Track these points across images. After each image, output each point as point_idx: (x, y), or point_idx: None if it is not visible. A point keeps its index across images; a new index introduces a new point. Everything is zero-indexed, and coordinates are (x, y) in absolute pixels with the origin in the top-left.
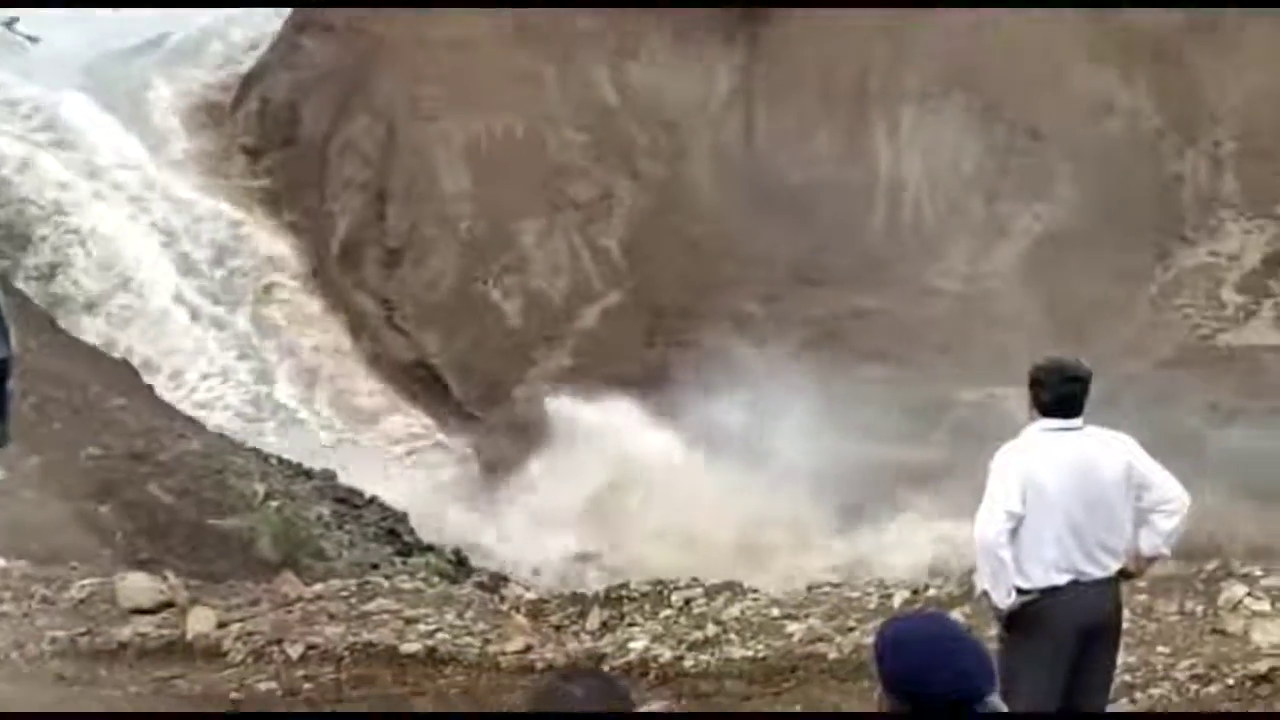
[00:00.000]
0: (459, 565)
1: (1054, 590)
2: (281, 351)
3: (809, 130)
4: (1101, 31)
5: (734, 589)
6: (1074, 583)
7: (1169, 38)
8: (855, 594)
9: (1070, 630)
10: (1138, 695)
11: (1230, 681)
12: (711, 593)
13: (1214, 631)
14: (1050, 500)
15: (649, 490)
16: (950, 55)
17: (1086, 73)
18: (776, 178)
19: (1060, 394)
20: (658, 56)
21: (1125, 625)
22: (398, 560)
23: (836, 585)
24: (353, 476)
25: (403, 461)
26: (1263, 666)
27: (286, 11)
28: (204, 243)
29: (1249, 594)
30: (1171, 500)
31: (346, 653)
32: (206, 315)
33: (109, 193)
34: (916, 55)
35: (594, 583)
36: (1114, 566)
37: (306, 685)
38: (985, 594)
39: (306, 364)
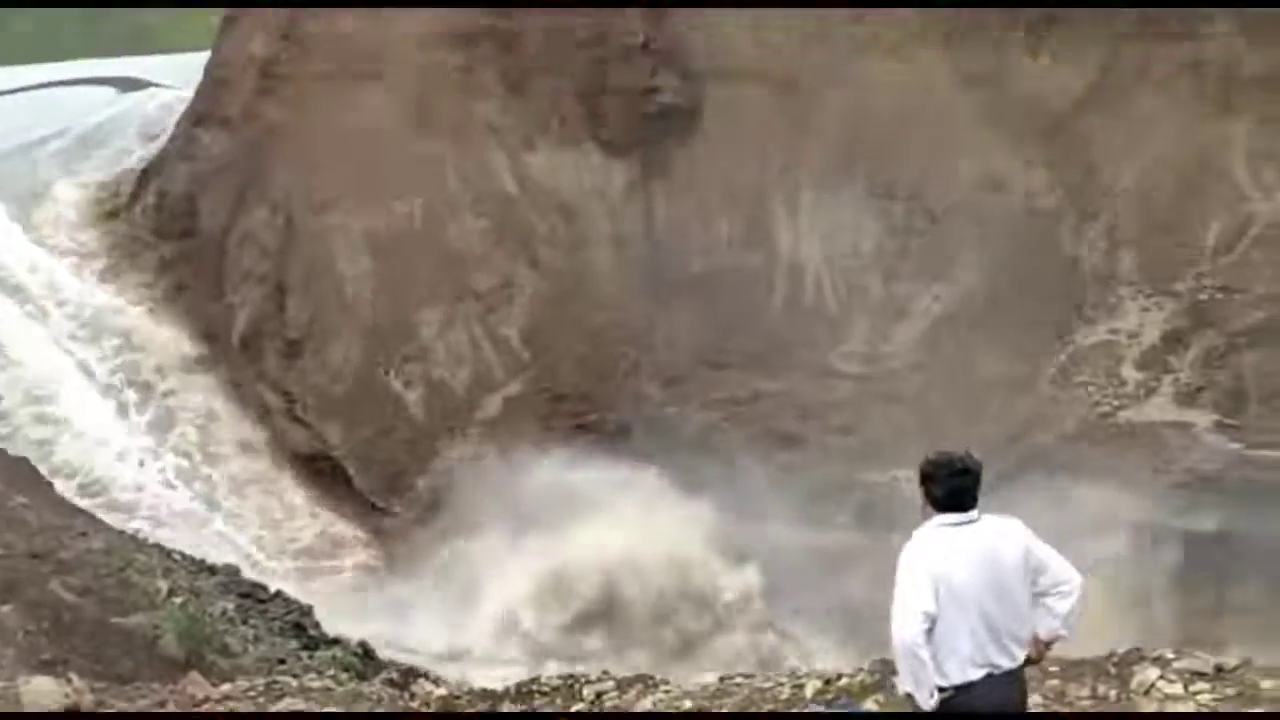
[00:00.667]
0: (366, 658)
1: (969, 685)
2: (183, 447)
3: (709, 216)
4: (996, 105)
5: (645, 682)
6: (988, 676)
7: (1064, 111)
8: (768, 684)
9: None
10: None
11: None
12: (623, 686)
13: (1127, 716)
14: (961, 597)
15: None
16: (847, 136)
17: (982, 150)
18: (678, 264)
19: (952, 488)
20: (557, 145)
21: (1039, 710)
22: (304, 654)
23: (748, 676)
24: (258, 572)
25: (309, 554)
26: None
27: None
28: (104, 339)
29: (1161, 677)
30: (1066, 582)
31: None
32: (109, 409)
33: (6, 292)
34: (814, 137)
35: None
36: (1021, 655)
37: None
38: (909, 696)
39: (209, 458)
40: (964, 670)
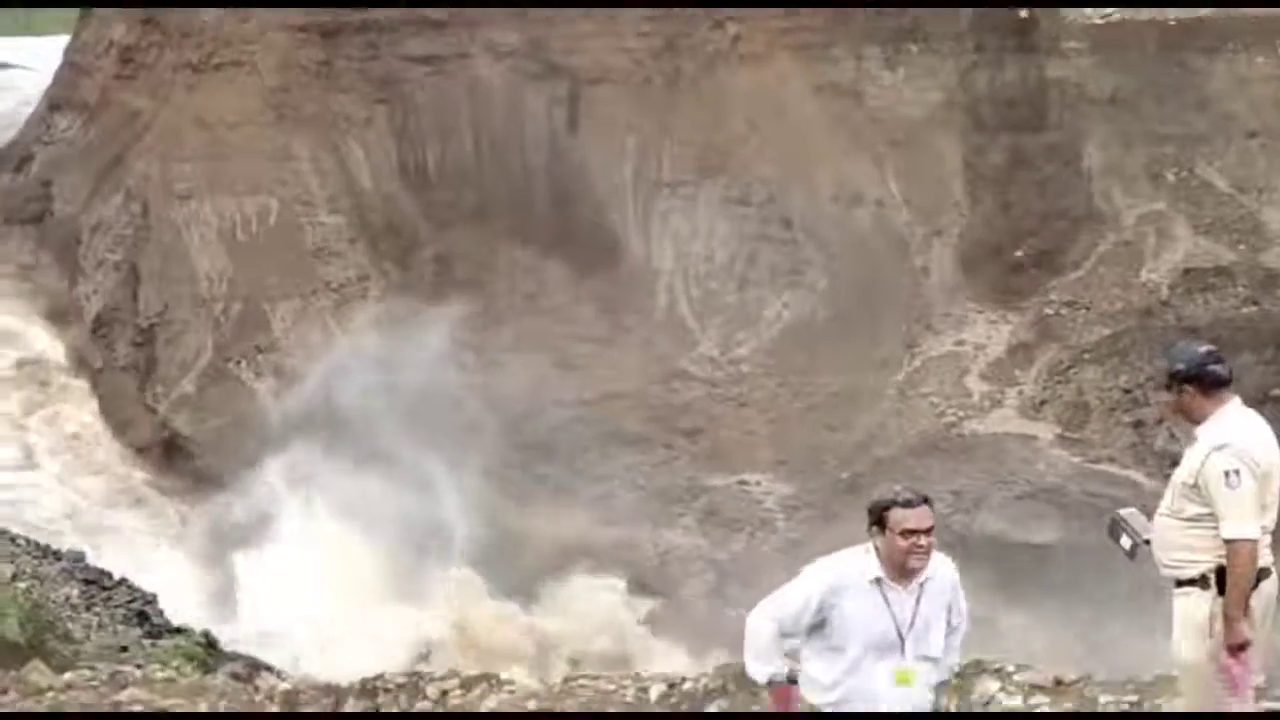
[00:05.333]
0: (209, 648)
1: None
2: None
3: (560, 218)
4: (853, 117)
5: (490, 680)
6: None
7: (918, 124)
8: (611, 687)
9: None
10: None
11: None
12: (468, 684)
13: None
14: None
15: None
16: (704, 142)
17: (837, 160)
18: None
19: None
20: None
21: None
22: (147, 643)
23: (594, 678)
24: (103, 556)
25: (154, 540)
26: None
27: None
28: None
29: (1001, 689)
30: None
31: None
32: None
33: None
34: (671, 142)
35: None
36: None
37: None
38: None
39: (60, 442)
40: None
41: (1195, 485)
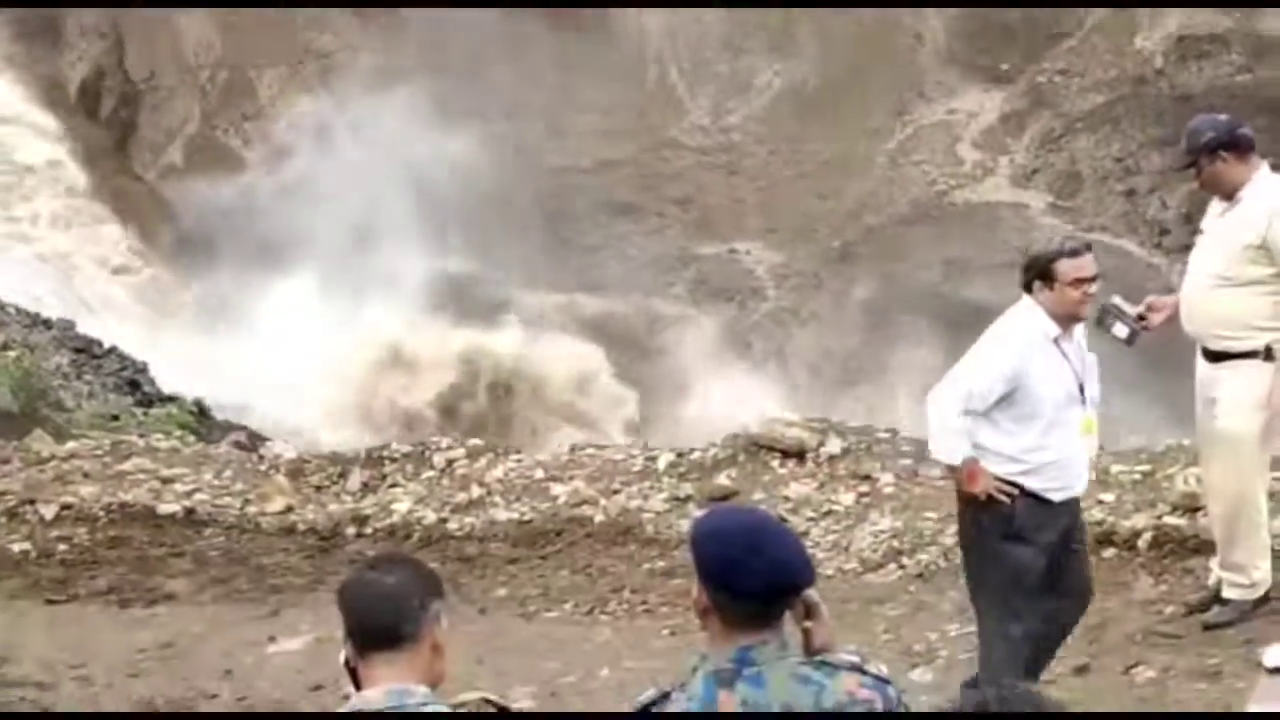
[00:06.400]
0: (201, 416)
1: None
2: (20, 195)
3: None
4: None
5: (496, 450)
6: None
7: None
8: (620, 457)
9: None
10: (905, 561)
11: None
12: (474, 454)
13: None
14: None
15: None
16: None
17: None
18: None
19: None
20: None
21: (890, 491)
22: (139, 411)
23: (601, 448)
24: (93, 325)
25: (143, 309)
26: None
27: None
28: None
29: None
30: None
31: (102, 513)
32: None
33: None
34: None
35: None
36: None
37: (61, 546)
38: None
39: (48, 209)
40: None
41: (1262, 246)
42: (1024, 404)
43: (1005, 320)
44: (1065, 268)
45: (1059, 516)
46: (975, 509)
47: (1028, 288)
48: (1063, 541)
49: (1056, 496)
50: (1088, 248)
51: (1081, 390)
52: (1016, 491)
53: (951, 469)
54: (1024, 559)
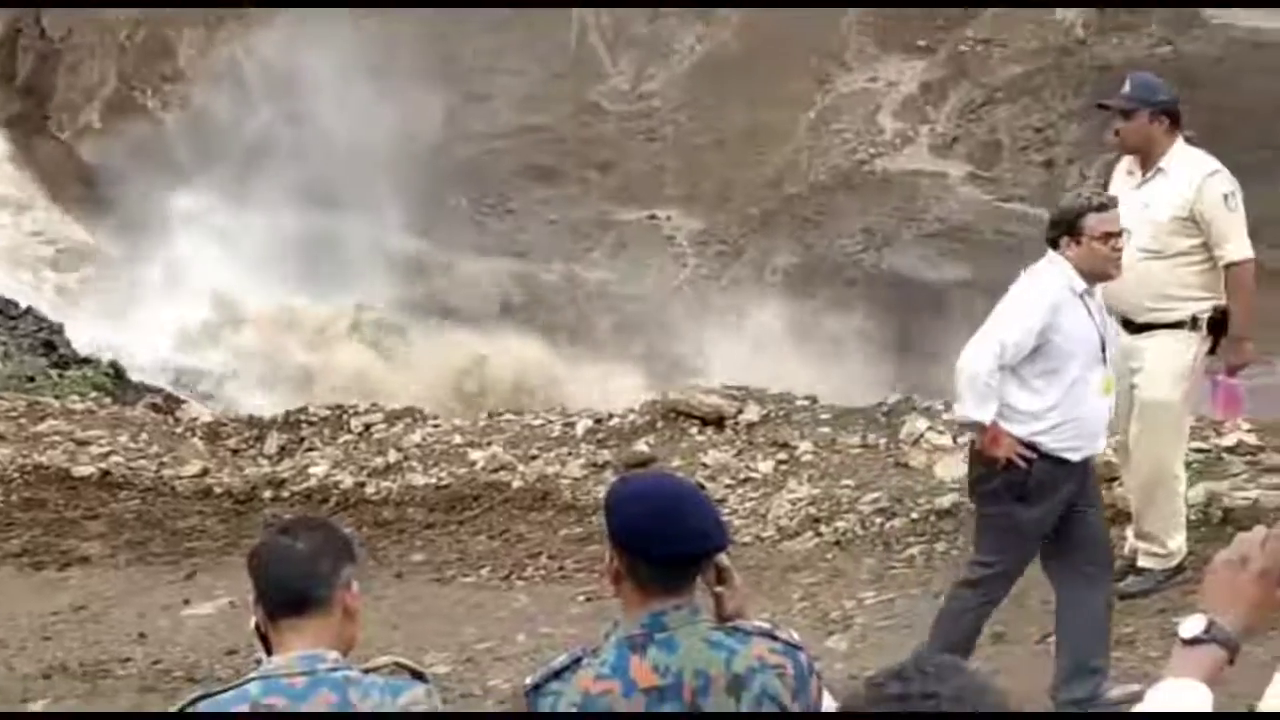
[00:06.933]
0: (117, 378)
1: None
2: None
3: None
4: None
5: (414, 415)
6: None
7: None
8: (538, 422)
9: None
10: (822, 528)
11: (914, 515)
12: (391, 418)
13: (897, 465)
14: None
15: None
16: None
17: None
18: None
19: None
20: None
21: (809, 458)
22: (54, 373)
23: (518, 414)
24: (8, 287)
25: (58, 271)
26: (946, 501)
27: None
28: None
29: (930, 428)
30: None
31: (17, 474)
32: None
33: None
34: None
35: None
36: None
37: None
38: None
39: None
40: None
41: (1189, 217)
42: (1052, 358)
43: (1031, 275)
44: (1093, 222)
45: (1072, 476)
46: (989, 470)
47: (1054, 244)
48: (1071, 501)
49: (1074, 456)
50: (1115, 202)
51: (1104, 348)
52: (1035, 455)
53: (980, 428)
54: (1033, 518)
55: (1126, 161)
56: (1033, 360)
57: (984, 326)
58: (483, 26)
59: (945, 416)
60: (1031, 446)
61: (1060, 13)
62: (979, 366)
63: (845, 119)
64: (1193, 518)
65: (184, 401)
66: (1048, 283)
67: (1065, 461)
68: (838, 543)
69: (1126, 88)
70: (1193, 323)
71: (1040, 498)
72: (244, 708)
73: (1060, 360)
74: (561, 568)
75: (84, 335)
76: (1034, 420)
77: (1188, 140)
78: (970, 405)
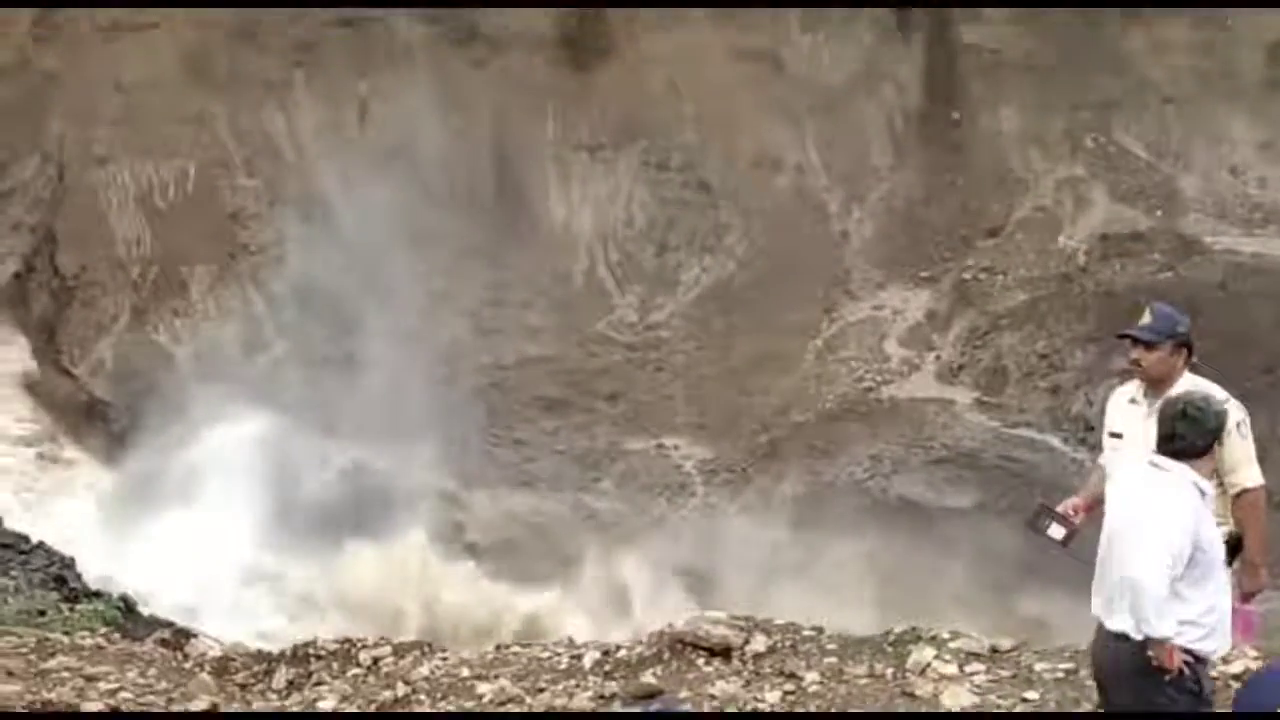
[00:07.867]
0: (128, 612)
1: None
2: None
3: (479, 182)
4: (772, 82)
5: (422, 648)
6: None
7: (837, 89)
8: (545, 655)
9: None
10: None
11: None
12: (400, 651)
13: (904, 694)
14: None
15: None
16: (623, 108)
17: (756, 125)
18: None
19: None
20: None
21: (816, 689)
22: (65, 607)
23: (525, 645)
24: (20, 519)
25: (71, 503)
26: None
27: None
28: None
29: (937, 657)
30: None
31: (25, 711)
32: None
33: None
34: (589, 107)
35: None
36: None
37: None
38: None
39: None
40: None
41: None
42: (1200, 563)
43: (1162, 486)
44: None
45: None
46: (1162, 684)
47: (1207, 450)
48: None
49: (1218, 655)
50: None
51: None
52: (1195, 662)
53: (1159, 643)
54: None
55: (1131, 389)
56: (1187, 568)
57: (1138, 549)
58: (490, 261)
59: (952, 645)
60: (1191, 652)
61: (1062, 240)
62: (1154, 581)
63: (852, 346)
64: None
65: (194, 635)
66: (1182, 489)
67: (1206, 660)
68: None
69: (1148, 318)
70: None
71: (1209, 700)
72: None
73: (1207, 563)
74: None
75: (95, 568)
76: (1193, 627)
77: (1192, 368)
78: (1157, 621)
